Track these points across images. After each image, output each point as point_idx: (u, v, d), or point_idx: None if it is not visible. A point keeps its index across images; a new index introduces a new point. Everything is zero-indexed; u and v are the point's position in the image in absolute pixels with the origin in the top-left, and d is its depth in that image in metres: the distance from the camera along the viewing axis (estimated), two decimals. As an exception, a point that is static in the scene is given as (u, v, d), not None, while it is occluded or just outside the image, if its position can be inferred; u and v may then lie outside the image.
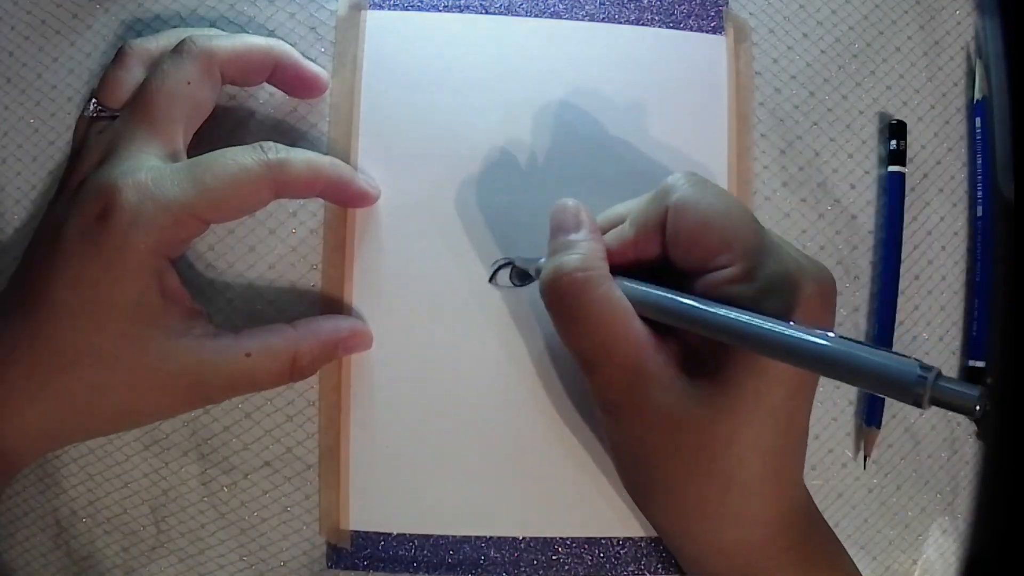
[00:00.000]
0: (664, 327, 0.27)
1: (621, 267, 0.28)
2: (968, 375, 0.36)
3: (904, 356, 0.21)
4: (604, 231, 0.29)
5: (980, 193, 0.36)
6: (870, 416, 0.35)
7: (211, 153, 0.28)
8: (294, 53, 0.32)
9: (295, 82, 0.32)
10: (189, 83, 0.29)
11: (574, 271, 0.27)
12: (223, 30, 0.34)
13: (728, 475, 0.26)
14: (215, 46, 0.29)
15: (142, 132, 0.28)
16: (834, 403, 0.35)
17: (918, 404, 0.20)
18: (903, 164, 0.35)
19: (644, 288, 0.27)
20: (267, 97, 0.33)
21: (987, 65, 0.37)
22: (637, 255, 0.28)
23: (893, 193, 0.35)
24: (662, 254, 0.28)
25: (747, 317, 0.24)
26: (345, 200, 0.32)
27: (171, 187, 0.27)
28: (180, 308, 0.28)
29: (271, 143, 0.29)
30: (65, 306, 0.27)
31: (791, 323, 0.23)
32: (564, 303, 0.27)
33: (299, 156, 0.29)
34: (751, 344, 0.24)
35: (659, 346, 0.27)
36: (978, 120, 0.36)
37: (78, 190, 0.28)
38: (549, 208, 0.29)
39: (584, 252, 0.27)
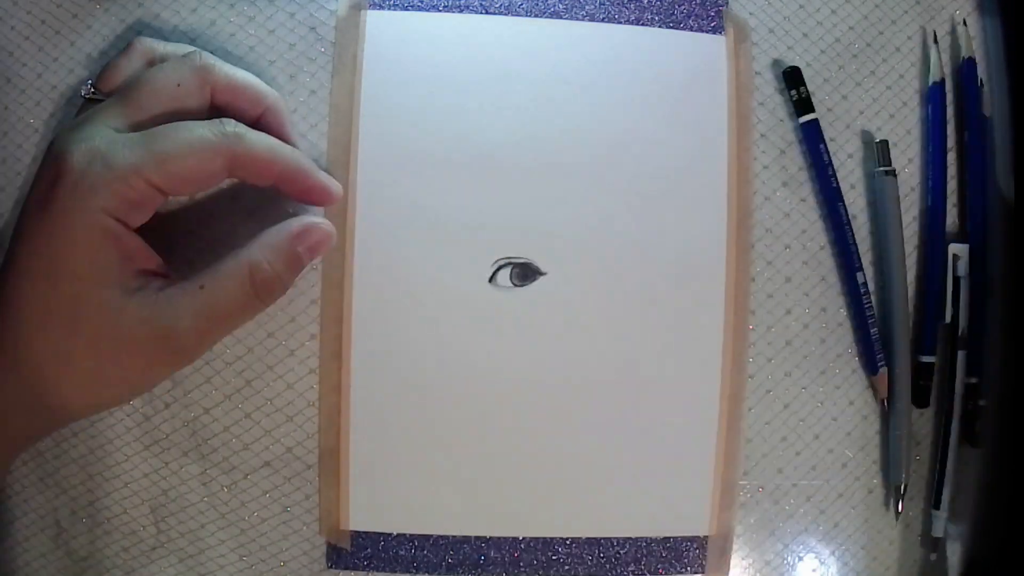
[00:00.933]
0: None
1: None
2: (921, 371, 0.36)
3: None
4: None
5: (931, 181, 0.36)
6: (870, 363, 0.35)
7: (169, 123, 0.28)
8: (282, 106, 0.32)
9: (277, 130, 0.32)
10: (179, 85, 0.29)
11: None
12: (223, 29, 0.34)
13: None
14: (215, 65, 0.30)
15: (114, 111, 0.28)
16: (834, 403, 0.35)
17: None
18: (811, 111, 0.35)
19: None
20: (267, 97, 0.33)
21: (987, 64, 0.37)
22: None
23: (812, 140, 0.35)
24: None
25: None
26: (302, 192, 0.31)
27: (122, 150, 0.27)
28: (140, 268, 0.28)
29: (232, 120, 0.29)
30: (25, 273, 0.27)
31: None
32: None
33: (259, 136, 0.29)
34: None
35: None
36: (942, 103, 0.36)
37: (42, 160, 0.28)
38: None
39: None
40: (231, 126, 0.28)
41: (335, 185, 0.32)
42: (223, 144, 0.28)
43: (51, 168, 0.27)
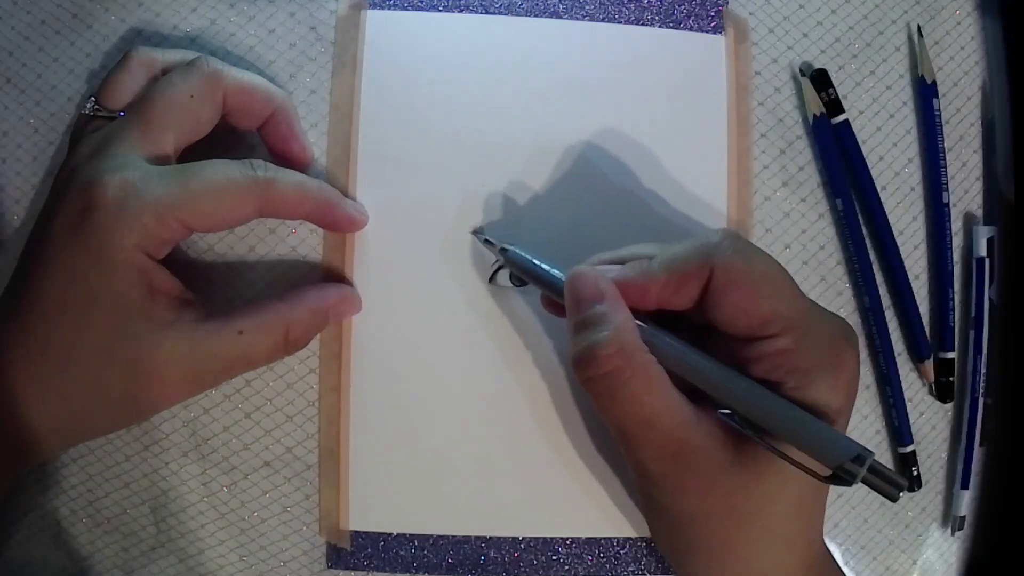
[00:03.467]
0: (699, 392, 0.27)
1: (639, 310, 0.27)
2: (941, 368, 0.36)
3: (852, 441, 0.24)
4: (623, 261, 0.28)
5: (944, 178, 0.36)
6: (921, 350, 0.35)
7: (201, 161, 0.28)
8: (290, 105, 0.32)
9: (284, 141, 0.32)
10: (192, 96, 0.29)
11: (608, 348, 0.25)
12: (224, 28, 0.34)
13: (771, 530, 0.27)
14: (224, 70, 0.30)
15: (135, 133, 0.28)
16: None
17: (848, 483, 0.24)
18: (842, 111, 0.35)
19: (679, 348, 0.26)
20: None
21: (987, 64, 0.37)
22: (659, 302, 0.27)
23: (849, 140, 0.35)
24: (689, 309, 0.27)
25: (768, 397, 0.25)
26: (331, 224, 0.32)
27: (156, 187, 0.27)
28: (169, 298, 0.28)
29: (262, 161, 0.29)
30: (55, 303, 0.27)
31: (817, 422, 0.25)
32: (603, 383, 0.26)
33: (288, 177, 0.29)
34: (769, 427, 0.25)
35: (698, 415, 0.26)
36: (936, 101, 0.36)
37: (66, 184, 0.28)
38: (566, 276, 0.28)
39: (615, 326, 0.26)
40: (262, 170, 0.29)
41: (361, 214, 0.32)
42: (254, 191, 0.28)
43: (81, 197, 0.27)
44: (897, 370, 0.35)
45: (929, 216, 0.36)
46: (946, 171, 0.36)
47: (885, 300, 0.35)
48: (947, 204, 0.36)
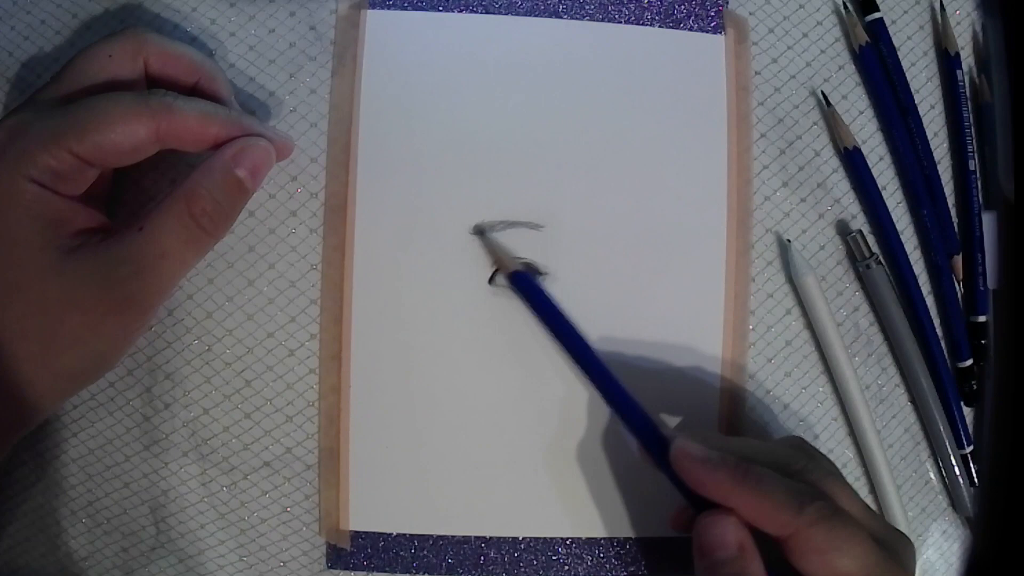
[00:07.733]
0: None
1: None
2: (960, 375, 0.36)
3: None
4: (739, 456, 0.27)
5: (970, 147, 0.36)
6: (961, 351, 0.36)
7: (97, 95, 0.28)
8: (220, 76, 0.31)
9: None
10: (110, 56, 0.29)
11: None
12: (224, 28, 0.34)
13: None
14: (148, 36, 0.30)
15: (48, 88, 0.29)
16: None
17: None
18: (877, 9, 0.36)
19: None
20: (267, 96, 0.33)
21: (988, 65, 0.37)
22: (756, 523, 0.27)
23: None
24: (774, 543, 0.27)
25: None
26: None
27: (45, 120, 0.27)
28: (75, 227, 0.28)
29: (162, 90, 0.29)
30: None
31: None
32: None
33: (191, 103, 0.28)
34: None
35: None
36: (960, 73, 0.36)
37: None
38: (698, 521, 0.27)
39: None
40: (159, 95, 0.28)
41: (284, 139, 0.31)
42: (147, 113, 0.27)
43: None
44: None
45: (957, 185, 0.37)
46: (973, 140, 0.36)
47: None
48: (974, 171, 0.36)
